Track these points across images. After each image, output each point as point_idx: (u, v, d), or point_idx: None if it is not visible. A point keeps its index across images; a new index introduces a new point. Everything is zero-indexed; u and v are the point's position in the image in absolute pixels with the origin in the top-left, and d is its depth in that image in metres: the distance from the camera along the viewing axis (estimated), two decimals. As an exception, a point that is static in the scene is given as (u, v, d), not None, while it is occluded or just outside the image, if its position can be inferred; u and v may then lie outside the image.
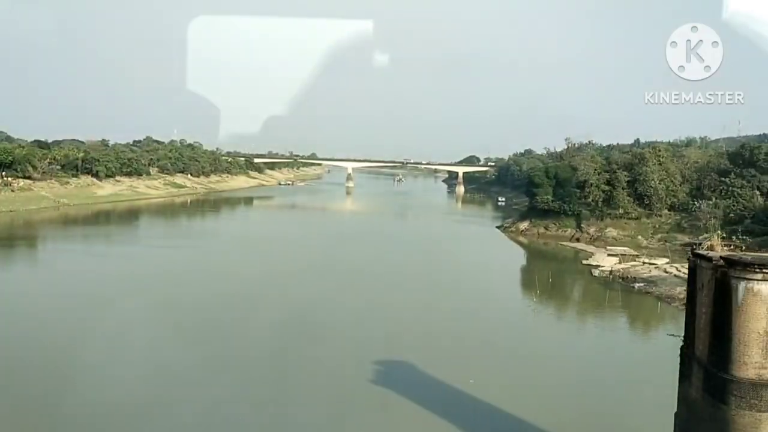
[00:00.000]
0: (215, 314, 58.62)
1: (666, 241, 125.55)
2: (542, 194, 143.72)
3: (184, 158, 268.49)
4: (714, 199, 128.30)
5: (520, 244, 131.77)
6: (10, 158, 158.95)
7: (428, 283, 79.08)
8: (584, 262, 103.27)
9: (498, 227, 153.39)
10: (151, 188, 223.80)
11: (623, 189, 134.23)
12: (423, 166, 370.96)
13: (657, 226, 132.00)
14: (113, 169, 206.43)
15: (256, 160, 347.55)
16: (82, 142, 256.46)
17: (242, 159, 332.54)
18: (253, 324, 56.19)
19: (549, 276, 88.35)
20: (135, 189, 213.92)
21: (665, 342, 53.44)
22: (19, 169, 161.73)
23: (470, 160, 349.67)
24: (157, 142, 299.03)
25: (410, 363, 45.81)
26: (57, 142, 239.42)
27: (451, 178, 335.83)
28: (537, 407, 37.67)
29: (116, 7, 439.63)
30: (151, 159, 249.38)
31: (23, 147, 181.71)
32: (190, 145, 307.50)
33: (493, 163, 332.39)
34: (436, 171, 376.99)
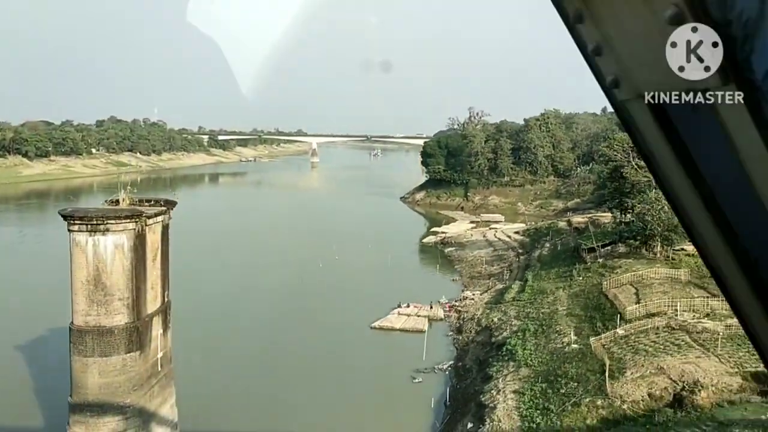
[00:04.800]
0: None
1: (542, 207, 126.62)
2: (434, 164, 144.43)
3: (133, 137, 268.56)
4: (592, 164, 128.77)
5: (417, 213, 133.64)
6: None
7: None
8: (432, 229, 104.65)
9: (401, 198, 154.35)
10: (89, 167, 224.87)
11: (507, 157, 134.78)
12: (389, 140, 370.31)
13: (538, 192, 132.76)
14: (46, 149, 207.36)
15: (220, 138, 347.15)
16: (50, 123, 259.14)
17: (204, 137, 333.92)
18: None
19: (375, 242, 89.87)
20: (69, 168, 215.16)
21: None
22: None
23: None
24: (120, 121, 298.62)
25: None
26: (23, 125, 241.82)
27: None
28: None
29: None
30: (101, 138, 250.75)
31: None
32: (154, 123, 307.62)
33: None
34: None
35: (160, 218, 27.98)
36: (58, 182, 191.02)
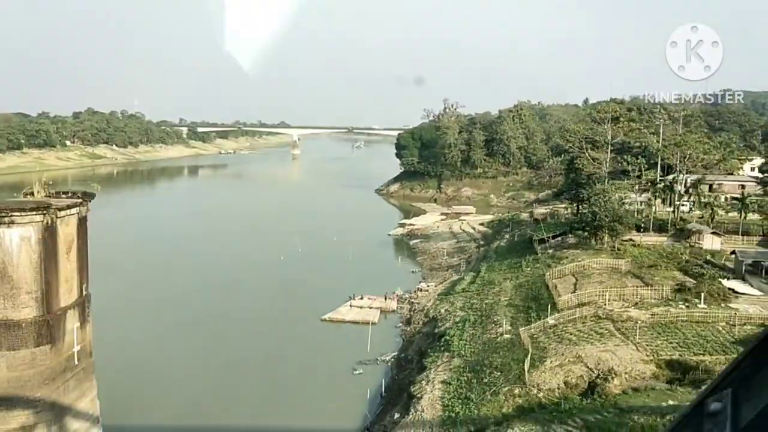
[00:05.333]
0: None
1: (514, 198, 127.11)
2: (408, 156, 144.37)
3: (109, 129, 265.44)
4: (564, 155, 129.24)
5: (390, 205, 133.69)
6: None
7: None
8: (401, 221, 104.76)
9: (376, 190, 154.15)
10: (62, 159, 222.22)
11: (480, 148, 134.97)
12: (371, 132, 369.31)
13: (511, 184, 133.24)
14: (18, 141, 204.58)
15: (200, 129, 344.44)
16: (27, 115, 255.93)
17: (183, 129, 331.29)
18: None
19: (342, 235, 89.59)
20: (42, 161, 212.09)
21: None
22: None
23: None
24: (97, 113, 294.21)
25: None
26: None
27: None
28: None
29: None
30: (76, 130, 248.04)
31: None
32: (132, 115, 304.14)
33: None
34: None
35: (74, 210, 27.52)
36: (31, 175, 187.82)
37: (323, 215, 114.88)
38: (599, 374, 27.34)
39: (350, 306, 53.88)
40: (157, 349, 44.65)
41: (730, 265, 42.13)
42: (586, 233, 51.45)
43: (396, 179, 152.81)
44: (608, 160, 59.94)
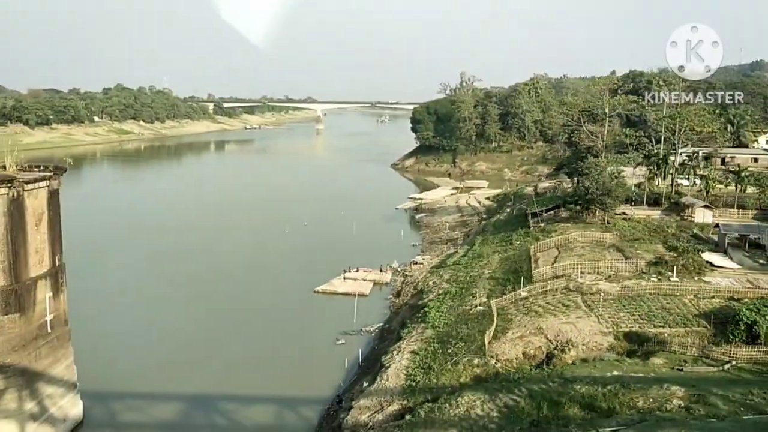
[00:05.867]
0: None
1: (528, 172, 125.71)
2: (423, 130, 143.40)
3: (137, 104, 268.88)
4: (564, 129, 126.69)
5: (405, 179, 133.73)
6: None
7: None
8: (410, 195, 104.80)
9: (392, 165, 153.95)
10: (90, 135, 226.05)
11: (495, 122, 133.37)
12: (396, 107, 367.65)
13: (525, 158, 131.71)
14: (47, 117, 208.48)
15: (226, 105, 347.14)
16: (58, 91, 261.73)
17: (210, 104, 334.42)
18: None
19: (351, 209, 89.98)
20: (70, 136, 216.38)
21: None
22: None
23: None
24: (126, 89, 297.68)
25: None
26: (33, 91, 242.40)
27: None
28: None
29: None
30: (105, 106, 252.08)
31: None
32: (159, 91, 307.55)
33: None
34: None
35: (43, 183, 28.41)
36: (60, 150, 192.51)
37: (336, 189, 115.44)
38: (557, 345, 27.43)
39: (344, 278, 54.49)
40: (152, 315, 46.21)
41: (717, 238, 41.44)
42: (578, 207, 50.97)
43: (411, 154, 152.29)
44: (605, 133, 58.89)
